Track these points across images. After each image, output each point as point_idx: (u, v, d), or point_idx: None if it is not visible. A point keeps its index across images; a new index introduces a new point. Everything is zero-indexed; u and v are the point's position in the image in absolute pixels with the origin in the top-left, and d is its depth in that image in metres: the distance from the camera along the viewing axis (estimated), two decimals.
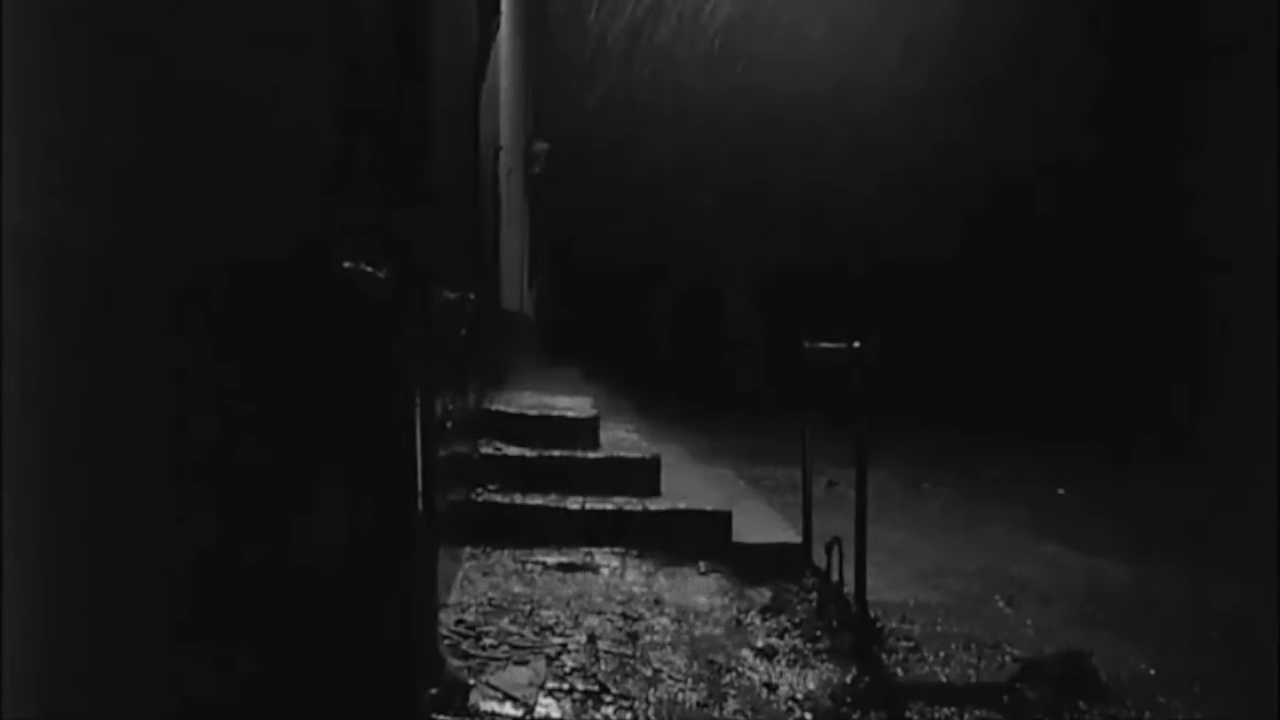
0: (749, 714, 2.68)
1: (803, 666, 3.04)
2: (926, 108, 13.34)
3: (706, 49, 14.61)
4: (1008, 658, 3.30)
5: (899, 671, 3.13)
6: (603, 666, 2.92)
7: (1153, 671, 3.27)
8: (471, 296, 4.12)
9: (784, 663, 3.07)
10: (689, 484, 5.16)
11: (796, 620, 3.46)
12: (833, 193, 14.23)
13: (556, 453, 4.78)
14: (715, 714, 2.67)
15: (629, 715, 2.61)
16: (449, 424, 3.38)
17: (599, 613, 3.40)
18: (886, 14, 13.54)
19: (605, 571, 3.97)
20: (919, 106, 13.36)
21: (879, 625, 3.52)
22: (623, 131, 15.30)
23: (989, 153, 13.13)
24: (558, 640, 3.10)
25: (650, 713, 2.63)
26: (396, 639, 2.32)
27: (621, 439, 5.46)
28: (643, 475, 4.70)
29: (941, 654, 3.32)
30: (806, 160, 14.40)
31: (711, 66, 14.66)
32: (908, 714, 2.76)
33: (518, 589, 3.65)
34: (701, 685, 2.84)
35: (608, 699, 2.69)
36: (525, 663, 2.89)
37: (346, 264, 2.01)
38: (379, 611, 2.25)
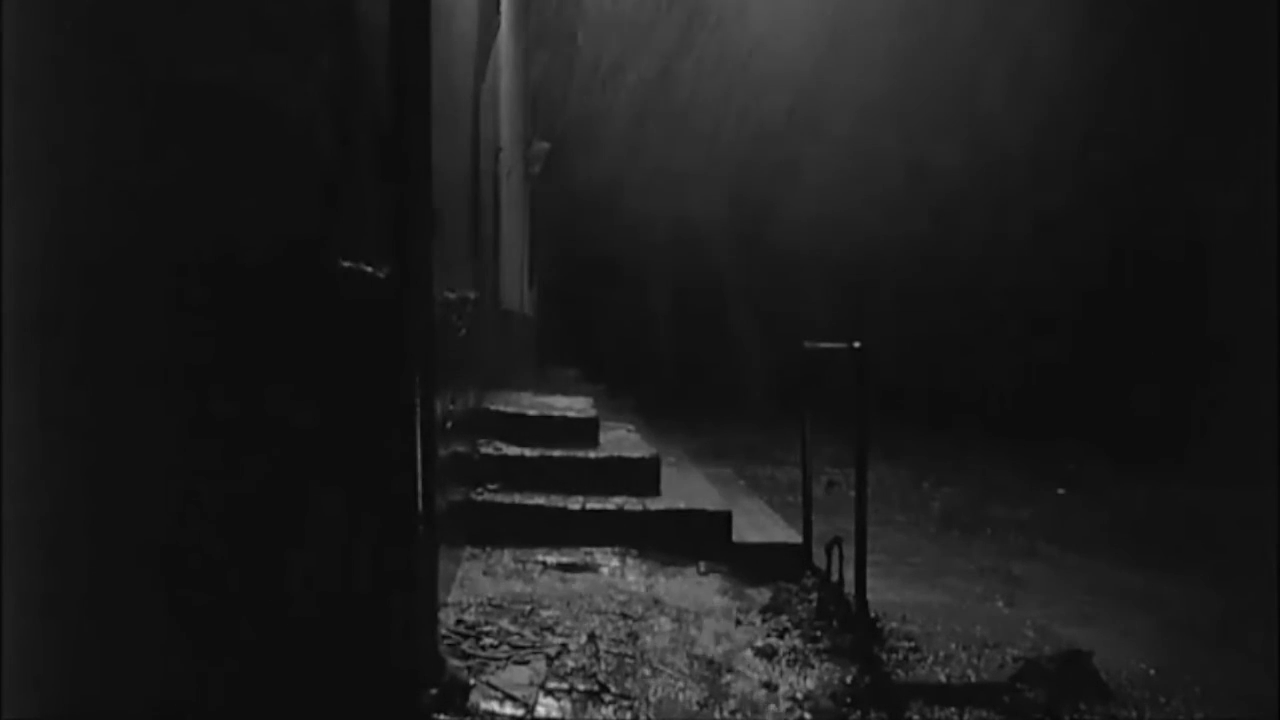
0: (748, 713, 2.68)
1: (803, 666, 3.04)
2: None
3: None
4: (1008, 658, 3.30)
5: (899, 671, 3.13)
6: (603, 666, 2.91)
7: (1153, 671, 3.27)
8: (471, 296, 4.12)
9: (784, 662, 3.06)
10: (689, 483, 5.16)
11: (796, 620, 3.45)
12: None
13: (556, 452, 4.77)
14: (715, 714, 2.66)
15: (629, 715, 2.61)
16: (449, 424, 3.38)
17: (599, 612, 3.40)
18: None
19: (605, 571, 3.96)
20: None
21: (879, 625, 3.52)
22: (627, 129, 15.32)
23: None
24: (558, 640, 3.10)
25: (650, 712, 2.63)
26: (397, 638, 2.33)
27: (621, 438, 5.46)
28: (643, 475, 4.70)
29: (941, 654, 3.32)
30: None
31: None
32: (908, 714, 2.76)
33: (518, 588, 3.65)
34: (701, 685, 2.84)
35: (608, 698, 2.69)
36: (525, 662, 2.89)
37: (346, 263, 2.01)
38: (379, 611, 2.25)
